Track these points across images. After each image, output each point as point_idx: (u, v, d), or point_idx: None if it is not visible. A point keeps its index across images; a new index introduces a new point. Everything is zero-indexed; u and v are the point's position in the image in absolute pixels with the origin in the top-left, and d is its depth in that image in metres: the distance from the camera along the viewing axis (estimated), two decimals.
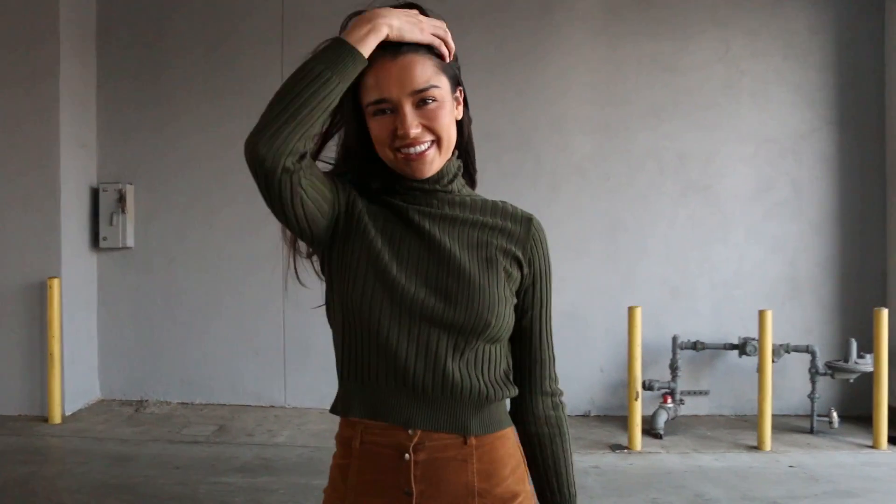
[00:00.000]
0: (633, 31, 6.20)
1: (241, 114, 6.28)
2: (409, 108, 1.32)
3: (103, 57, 6.40)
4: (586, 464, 4.97)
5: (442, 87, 1.34)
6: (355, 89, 1.33)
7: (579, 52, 6.22)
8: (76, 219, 6.12)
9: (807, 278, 6.18)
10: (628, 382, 5.38)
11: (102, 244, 6.29)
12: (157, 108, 6.38)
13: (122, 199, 6.23)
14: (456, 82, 1.40)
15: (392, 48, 1.31)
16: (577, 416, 6.14)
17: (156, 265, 6.39)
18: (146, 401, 6.33)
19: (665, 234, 6.19)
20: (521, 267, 1.42)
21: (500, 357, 1.41)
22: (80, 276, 6.18)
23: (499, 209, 1.45)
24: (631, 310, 5.34)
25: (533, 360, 1.48)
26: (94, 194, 6.32)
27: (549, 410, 1.49)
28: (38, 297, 5.84)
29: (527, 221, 1.45)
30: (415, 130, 1.32)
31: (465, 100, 1.44)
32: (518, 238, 1.42)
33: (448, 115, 1.35)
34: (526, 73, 6.20)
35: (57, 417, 5.72)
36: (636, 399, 5.29)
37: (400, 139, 1.32)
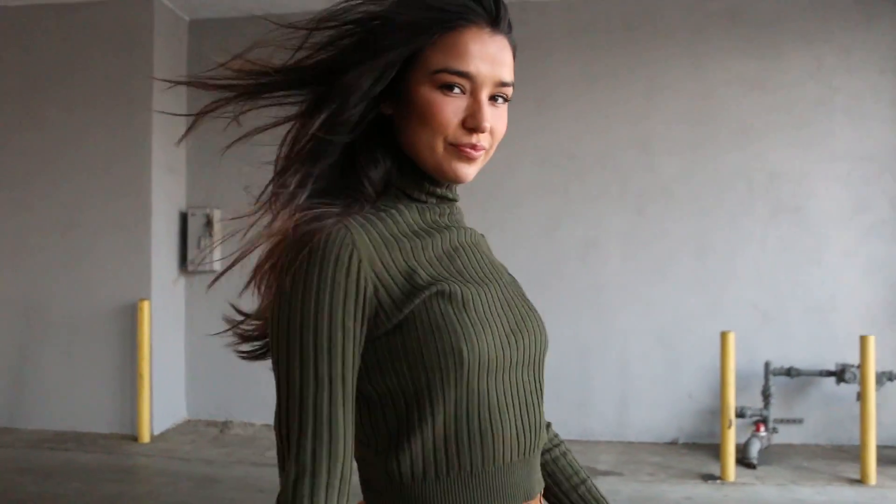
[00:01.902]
0: (719, 49, 5.98)
1: None
2: (485, 98, 1.05)
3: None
4: (678, 494, 4.72)
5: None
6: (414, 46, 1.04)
7: (665, 70, 6.02)
8: (166, 242, 6.19)
9: None
10: (721, 410, 5.11)
11: (191, 267, 6.34)
12: (243, 133, 6.40)
13: (209, 223, 6.28)
14: None
15: (494, 17, 1.06)
16: (664, 443, 5.88)
17: (241, 288, 6.38)
18: (231, 422, 6.33)
19: (755, 256, 5.91)
20: None
21: None
22: (169, 298, 6.24)
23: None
24: (723, 335, 5.08)
25: None
26: (183, 218, 6.39)
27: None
28: (130, 318, 5.91)
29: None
30: (488, 125, 1.05)
31: None
32: None
33: None
34: (610, 93, 6.03)
35: (146, 437, 5.75)
36: (729, 427, 5.01)
37: (466, 131, 1.04)
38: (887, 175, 5.86)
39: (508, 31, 1.07)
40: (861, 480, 4.95)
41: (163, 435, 5.98)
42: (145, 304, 5.77)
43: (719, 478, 5.01)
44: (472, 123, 1.04)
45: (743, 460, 5.25)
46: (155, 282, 5.99)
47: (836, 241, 5.87)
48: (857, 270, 5.84)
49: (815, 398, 5.83)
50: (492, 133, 1.07)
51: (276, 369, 0.99)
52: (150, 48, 5.95)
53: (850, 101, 5.89)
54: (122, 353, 5.96)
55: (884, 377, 5.36)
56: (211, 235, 6.28)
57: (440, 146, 1.05)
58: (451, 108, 1.03)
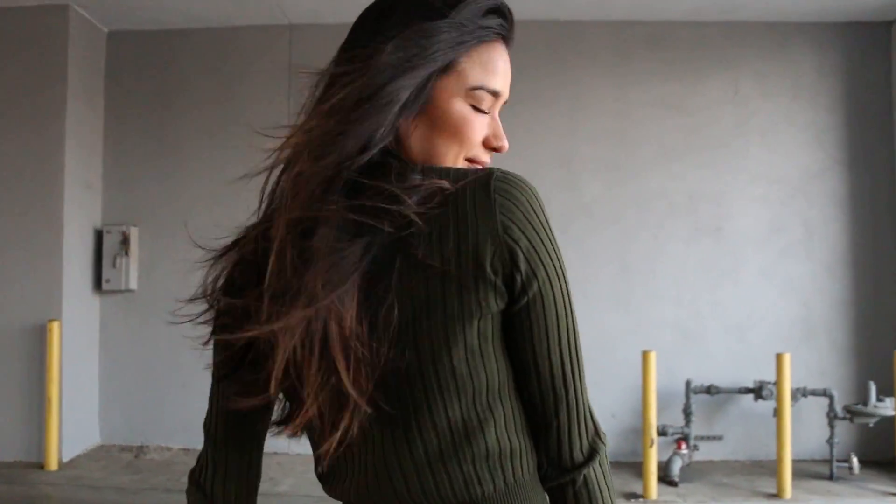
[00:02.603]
0: (641, 72, 6.03)
1: (247, 157, 6.10)
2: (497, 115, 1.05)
3: (111, 99, 6.24)
4: None
5: None
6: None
7: (588, 92, 6.04)
8: (79, 261, 5.90)
9: (821, 320, 5.91)
10: (643, 429, 5.08)
11: (105, 287, 6.05)
12: (163, 150, 6.21)
13: (125, 241, 6.01)
14: None
15: (511, 31, 1.04)
16: None
17: (158, 308, 6.13)
18: (147, 446, 6.03)
19: (676, 276, 5.94)
20: None
21: None
22: (82, 319, 5.94)
23: None
24: (645, 354, 5.07)
25: None
26: (98, 236, 6.10)
27: None
28: (38, 339, 5.58)
29: None
30: (507, 144, 1.06)
31: None
32: None
33: None
34: (534, 113, 6.01)
35: (53, 464, 5.42)
36: (651, 446, 4.99)
37: (485, 149, 1.04)
38: (800, 197, 5.98)
39: None
40: (777, 495, 4.97)
41: (73, 461, 5.65)
42: (55, 325, 5.47)
43: (641, 496, 4.97)
44: (495, 143, 1.04)
45: (665, 478, 5.23)
46: (66, 301, 5.68)
47: (753, 260, 5.94)
48: (773, 289, 5.92)
49: (735, 415, 5.87)
50: None
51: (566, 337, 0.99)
52: (65, 58, 5.68)
53: (765, 125, 6.01)
54: (29, 377, 5.61)
55: (798, 393, 5.42)
56: (127, 254, 6.01)
57: (460, 161, 1.02)
58: (480, 126, 1.01)
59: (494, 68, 1.00)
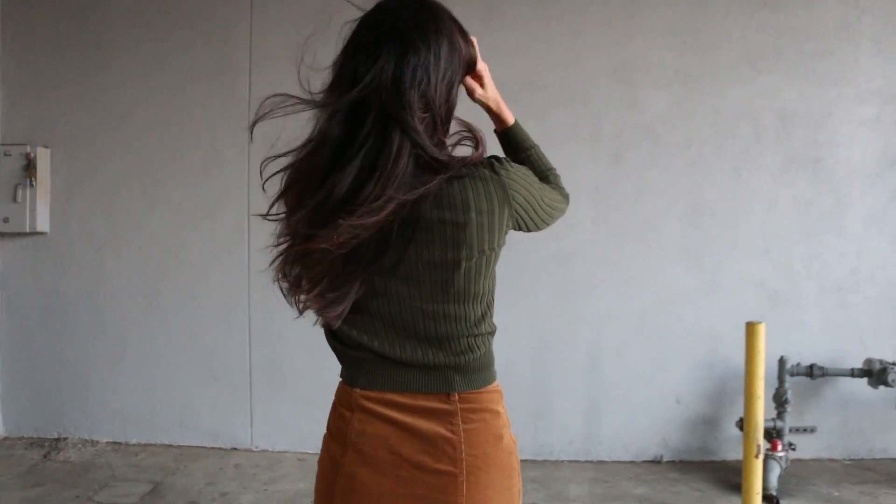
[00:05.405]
0: None
1: (196, 52, 4.25)
2: None
3: None
4: None
5: None
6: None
7: None
8: None
9: None
10: (745, 430, 3.40)
11: (4, 228, 4.22)
12: (83, 46, 4.34)
13: (30, 166, 4.17)
14: None
15: None
16: (644, 462, 4.18)
17: (78, 256, 4.33)
18: (65, 439, 4.28)
19: (762, 220, 4.24)
20: None
21: None
22: None
23: None
24: (750, 327, 3.34)
25: None
26: None
27: None
28: None
29: None
30: None
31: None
32: None
33: None
34: (581, 8, 4.23)
35: None
36: (756, 456, 3.31)
37: None
38: None
39: None
40: None
41: None
42: None
43: None
44: None
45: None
46: None
47: (860, 202, 4.25)
48: (885, 240, 4.25)
49: (831, 401, 4.23)
50: None
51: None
52: None
53: (879, 27, 4.26)
54: None
55: None
56: (33, 184, 4.17)
57: None
58: None
59: None
